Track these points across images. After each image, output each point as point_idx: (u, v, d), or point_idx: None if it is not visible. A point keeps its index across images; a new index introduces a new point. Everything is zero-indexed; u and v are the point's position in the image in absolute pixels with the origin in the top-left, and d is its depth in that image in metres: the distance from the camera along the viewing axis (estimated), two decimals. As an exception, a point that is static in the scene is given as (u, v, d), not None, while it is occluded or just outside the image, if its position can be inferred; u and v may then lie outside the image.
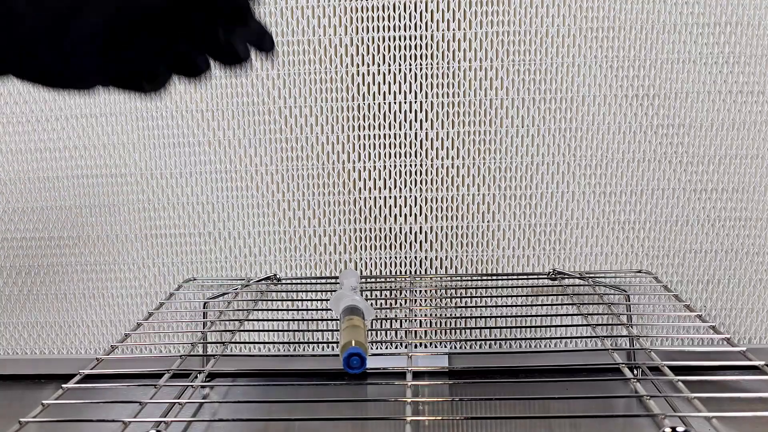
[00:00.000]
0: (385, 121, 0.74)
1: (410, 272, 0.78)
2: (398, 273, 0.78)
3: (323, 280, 0.77)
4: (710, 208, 0.74)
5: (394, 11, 0.71)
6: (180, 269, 0.79)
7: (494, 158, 0.74)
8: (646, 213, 0.75)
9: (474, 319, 0.75)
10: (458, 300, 0.75)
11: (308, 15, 0.72)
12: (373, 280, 0.77)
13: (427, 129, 0.74)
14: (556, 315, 0.74)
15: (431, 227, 0.77)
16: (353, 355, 0.48)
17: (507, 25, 0.71)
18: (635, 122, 0.73)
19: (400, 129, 0.74)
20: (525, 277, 0.76)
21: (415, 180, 0.75)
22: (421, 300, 0.74)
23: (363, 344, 0.50)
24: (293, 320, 0.79)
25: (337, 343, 0.52)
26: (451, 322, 0.75)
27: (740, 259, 0.75)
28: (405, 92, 0.73)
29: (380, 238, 0.77)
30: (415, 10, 0.71)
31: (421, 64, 0.73)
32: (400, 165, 0.75)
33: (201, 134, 0.76)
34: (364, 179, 0.76)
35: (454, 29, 0.72)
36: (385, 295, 0.76)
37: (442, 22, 0.72)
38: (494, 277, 0.76)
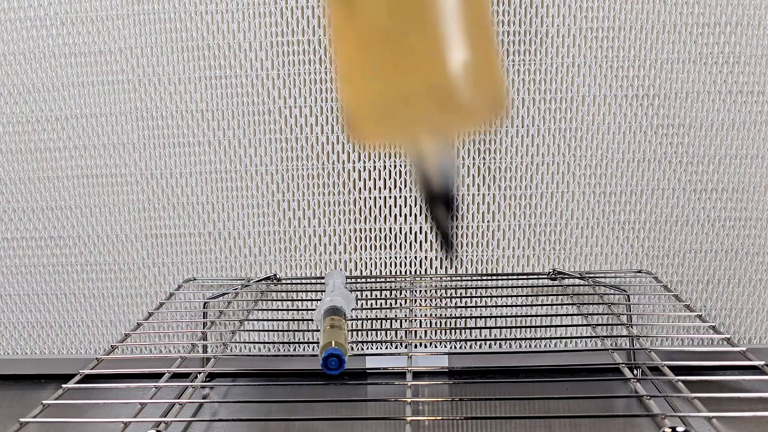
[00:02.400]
0: (385, 121, 0.74)
1: (410, 272, 0.78)
2: (398, 273, 0.78)
3: (323, 280, 0.77)
4: (710, 208, 0.74)
5: (394, 11, 0.71)
6: (180, 269, 0.79)
7: (494, 158, 0.74)
8: (646, 213, 0.75)
9: (474, 319, 0.75)
10: (458, 300, 0.75)
11: (308, 15, 0.72)
12: (373, 280, 0.77)
13: (427, 129, 0.74)
14: (556, 315, 0.74)
15: (431, 227, 0.76)
16: (332, 356, 0.49)
17: (507, 25, 0.71)
18: (635, 122, 0.73)
19: (400, 129, 0.74)
20: (525, 277, 0.75)
21: (415, 180, 0.75)
22: (421, 300, 0.74)
23: (342, 345, 0.50)
24: (293, 320, 0.78)
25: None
26: (451, 322, 0.75)
27: (740, 259, 0.75)
28: (405, 92, 0.73)
29: (380, 238, 0.77)
30: (415, 10, 0.71)
31: (421, 64, 0.72)
32: (400, 165, 0.75)
33: (201, 134, 0.76)
34: (364, 179, 0.76)
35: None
36: (385, 295, 0.76)
37: (442, 22, 0.71)
38: (494, 277, 0.76)
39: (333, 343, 0.50)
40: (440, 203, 0.21)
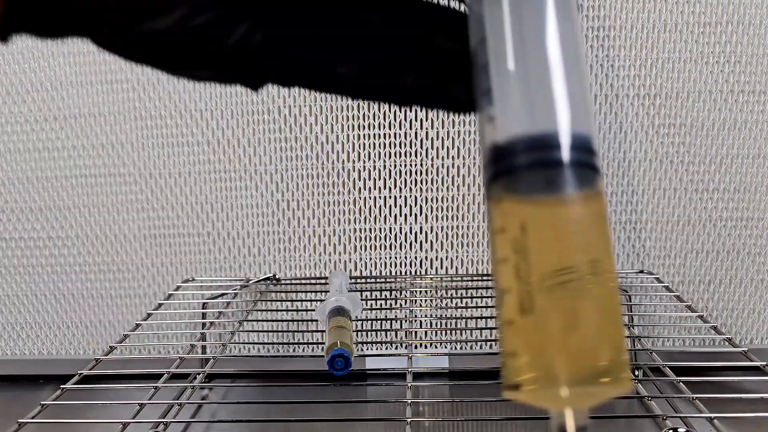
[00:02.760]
0: (385, 120, 0.74)
1: (410, 272, 0.77)
2: (398, 273, 0.78)
3: (323, 281, 0.77)
4: (712, 208, 0.74)
5: (394, 11, 0.71)
6: (179, 270, 0.79)
7: (495, 158, 0.74)
8: (648, 213, 0.74)
9: (474, 320, 0.75)
10: (458, 300, 0.75)
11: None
12: (372, 280, 0.76)
13: (427, 129, 0.74)
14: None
15: (431, 227, 0.76)
16: (337, 357, 0.49)
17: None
18: (636, 122, 0.73)
19: (400, 129, 0.74)
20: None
21: (415, 180, 0.75)
22: (421, 300, 0.74)
23: (348, 345, 0.50)
24: (293, 321, 0.78)
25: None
26: (451, 323, 0.75)
27: (742, 259, 0.75)
28: (405, 92, 0.73)
29: (380, 238, 0.77)
30: (416, 10, 0.71)
31: (421, 64, 0.72)
32: (400, 165, 0.75)
33: (200, 134, 0.75)
34: (364, 179, 0.76)
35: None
36: (385, 296, 0.76)
37: (443, 21, 0.71)
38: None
39: (339, 343, 0.49)
40: None
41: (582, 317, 0.21)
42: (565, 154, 0.22)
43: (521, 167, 0.23)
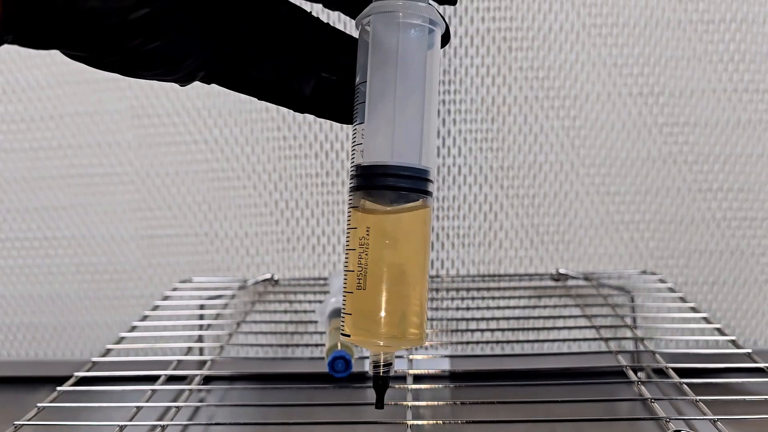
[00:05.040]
0: (385, 119, 0.73)
1: (410, 273, 0.77)
2: (398, 274, 0.77)
3: (322, 282, 0.76)
4: (716, 208, 0.73)
5: (394, 8, 0.70)
6: (176, 270, 0.78)
7: (496, 157, 0.73)
8: (651, 213, 0.74)
9: (475, 321, 0.74)
10: (459, 301, 0.74)
11: (307, 12, 0.71)
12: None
13: (427, 128, 0.73)
14: (560, 317, 0.73)
15: (431, 227, 0.75)
16: (338, 359, 0.48)
17: (509, 21, 0.70)
18: (640, 120, 0.72)
19: (400, 128, 0.73)
20: (528, 278, 0.74)
21: (416, 179, 0.74)
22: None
23: (349, 347, 0.49)
24: (291, 322, 0.77)
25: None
26: (452, 324, 0.74)
27: (746, 259, 0.74)
28: (405, 90, 0.72)
29: (380, 239, 0.76)
30: (416, 7, 0.70)
31: (421, 62, 0.71)
32: (400, 164, 0.74)
33: (197, 132, 0.75)
34: (364, 179, 0.75)
35: (455, 25, 0.71)
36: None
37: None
38: (496, 278, 0.75)
39: (339, 345, 0.49)
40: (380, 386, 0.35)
41: (392, 297, 0.32)
42: (404, 182, 0.32)
43: (372, 186, 0.32)
